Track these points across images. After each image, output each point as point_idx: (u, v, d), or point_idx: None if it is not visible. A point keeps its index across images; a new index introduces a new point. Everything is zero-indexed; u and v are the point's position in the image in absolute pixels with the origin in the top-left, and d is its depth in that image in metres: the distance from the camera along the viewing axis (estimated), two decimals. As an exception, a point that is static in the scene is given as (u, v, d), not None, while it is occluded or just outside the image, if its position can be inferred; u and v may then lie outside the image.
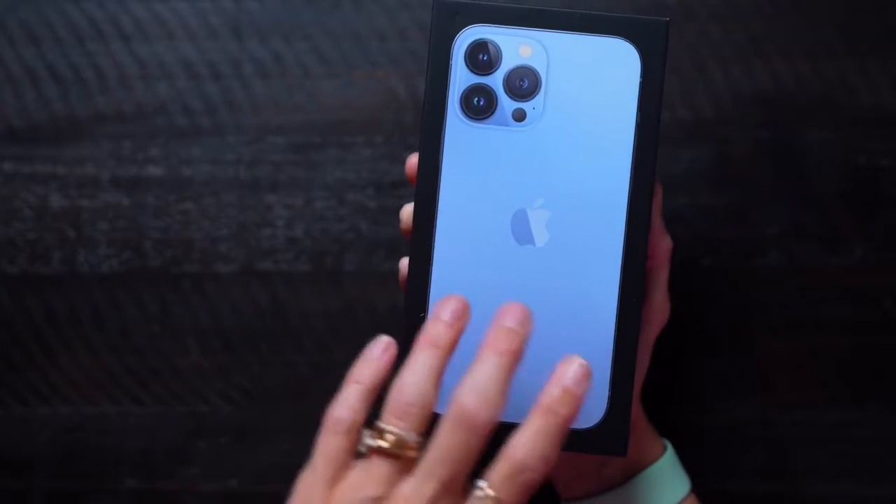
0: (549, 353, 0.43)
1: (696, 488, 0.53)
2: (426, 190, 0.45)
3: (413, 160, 0.47)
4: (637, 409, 0.51)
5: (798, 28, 0.58)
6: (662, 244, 0.50)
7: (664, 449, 0.52)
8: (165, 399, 0.59)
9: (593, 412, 0.45)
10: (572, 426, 0.43)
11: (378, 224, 0.59)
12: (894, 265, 0.58)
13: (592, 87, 0.44)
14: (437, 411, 0.42)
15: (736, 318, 0.58)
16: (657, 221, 0.50)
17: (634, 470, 0.51)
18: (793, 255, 0.58)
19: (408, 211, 0.48)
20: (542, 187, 0.44)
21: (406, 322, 0.45)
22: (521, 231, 0.45)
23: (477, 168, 0.45)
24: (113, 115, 0.59)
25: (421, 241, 0.45)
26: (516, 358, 0.40)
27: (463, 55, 0.45)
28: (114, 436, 0.59)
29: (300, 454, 0.59)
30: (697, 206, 0.58)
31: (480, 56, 0.45)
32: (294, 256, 0.59)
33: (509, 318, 0.41)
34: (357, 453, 0.41)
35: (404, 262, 0.49)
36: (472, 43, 0.45)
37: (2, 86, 0.59)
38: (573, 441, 0.44)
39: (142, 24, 0.59)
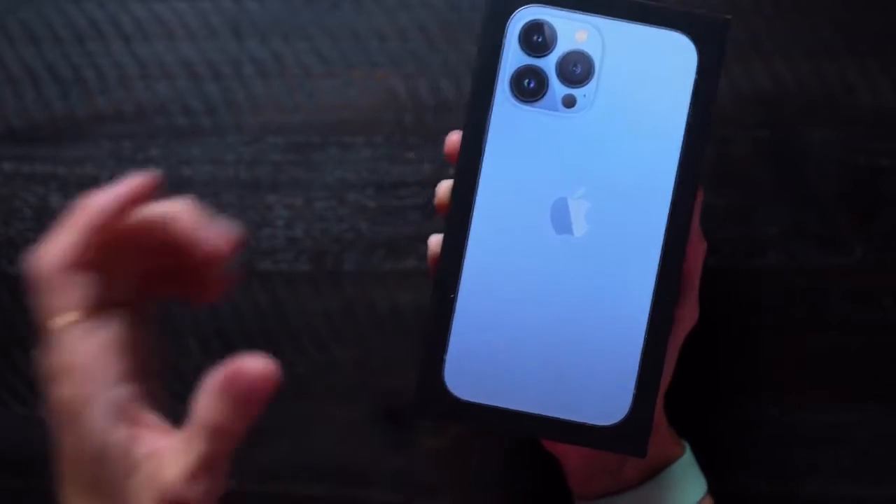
0: (580, 345, 0.43)
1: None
2: (467, 166, 0.44)
3: (454, 137, 0.46)
4: (660, 411, 0.51)
5: (798, 28, 0.58)
6: (699, 247, 0.50)
7: (683, 450, 0.52)
8: (165, 399, 0.59)
9: (616, 409, 0.44)
10: (593, 422, 0.43)
11: (378, 224, 0.59)
12: (894, 265, 0.58)
13: (646, 79, 0.43)
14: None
15: (736, 318, 0.58)
16: (695, 224, 0.49)
17: (653, 470, 0.50)
18: (793, 255, 0.58)
19: (445, 186, 0.47)
20: (585, 177, 0.44)
21: (435, 298, 0.44)
22: (561, 220, 0.44)
23: (521, 151, 0.44)
24: (113, 115, 0.59)
25: (458, 218, 0.44)
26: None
27: (517, 35, 0.44)
28: (114, 436, 0.59)
29: (300, 454, 0.59)
30: (697, 206, 0.58)
31: (535, 37, 0.44)
32: (294, 256, 0.59)
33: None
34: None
35: (433, 240, 0.48)
36: (527, 23, 0.44)
37: (2, 86, 0.59)
38: (592, 437, 0.44)
39: (142, 24, 0.59)
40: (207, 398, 0.38)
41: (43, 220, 0.59)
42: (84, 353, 0.38)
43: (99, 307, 0.39)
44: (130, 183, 0.40)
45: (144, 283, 0.42)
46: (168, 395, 0.60)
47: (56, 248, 0.39)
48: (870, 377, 0.58)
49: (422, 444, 0.59)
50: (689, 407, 0.59)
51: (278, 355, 0.59)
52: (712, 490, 0.53)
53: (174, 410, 0.59)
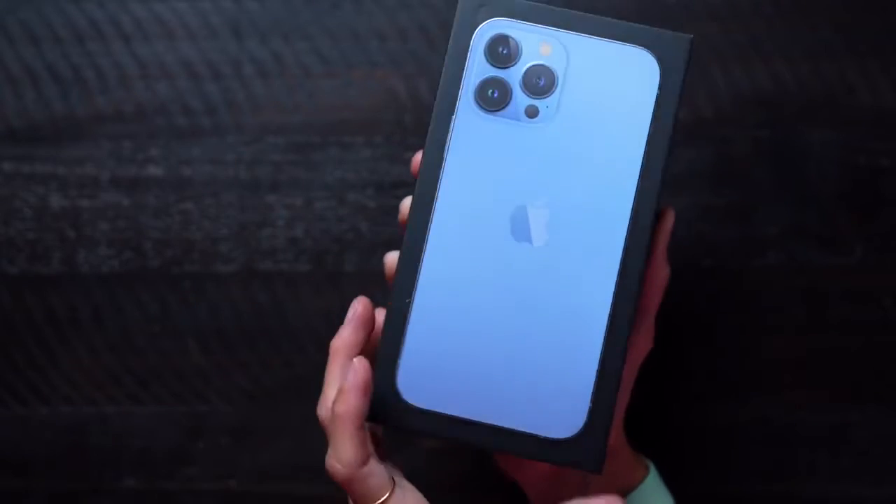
0: (537, 356, 0.43)
1: (697, 488, 0.53)
2: (428, 173, 0.44)
3: (418, 156, 0.47)
4: (619, 434, 0.51)
5: (798, 28, 0.58)
6: (661, 272, 0.49)
7: (647, 471, 0.51)
8: (165, 399, 0.59)
9: (572, 422, 0.44)
10: (548, 435, 0.43)
11: (378, 224, 0.59)
12: (894, 265, 0.58)
13: (609, 93, 0.44)
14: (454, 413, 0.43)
15: (736, 318, 0.58)
16: (661, 247, 0.49)
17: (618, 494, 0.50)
18: (793, 255, 0.58)
19: (408, 203, 0.48)
20: (547, 187, 0.44)
21: (392, 304, 0.44)
22: (520, 228, 0.44)
23: (483, 159, 0.44)
24: (113, 115, 0.59)
25: (417, 222, 0.44)
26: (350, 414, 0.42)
27: (483, 46, 0.44)
28: (114, 436, 0.59)
29: (300, 454, 0.59)
30: (697, 206, 0.58)
31: (500, 49, 0.44)
32: (294, 256, 0.59)
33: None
34: None
35: (390, 257, 0.48)
36: (493, 35, 0.44)
37: (2, 86, 0.59)
38: (547, 450, 0.43)
39: (142, 24, 0.59)
40: None
41: (43, 220, 0.59)
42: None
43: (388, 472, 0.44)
44: (360, 311, 0.44)
45: None
46: (167, 394, 0.60)
47: (348, 452, 0.42)
48: (870, 377, 0.58)
49: (421, 444, 0.59)
50: (689, 407, 0.59)
51: (278, 355, 0.59)
52: (713, 490, 0.53)
53: (173, 410, 0.60)
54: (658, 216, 0.46)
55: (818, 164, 0.58)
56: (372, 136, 0.59)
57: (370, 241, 0.59)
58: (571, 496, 0.50)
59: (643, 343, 0.50)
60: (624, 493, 0.50)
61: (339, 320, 0.59)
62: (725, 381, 0.58)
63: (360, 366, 0.42)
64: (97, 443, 0.59)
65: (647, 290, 0.49)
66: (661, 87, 0.44)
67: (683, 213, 0.58)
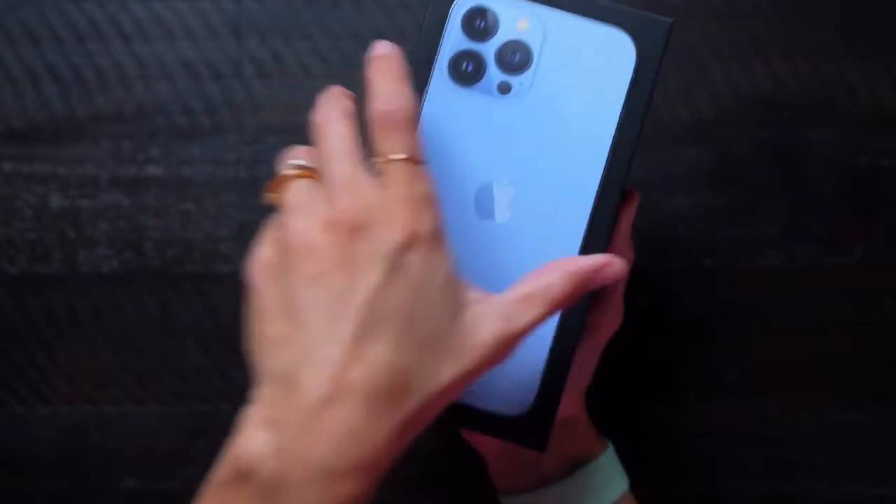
0: None
1: (697, 488, 0.53)
2: None
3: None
4: (579, 408, 0.51)
5: (798, 28, 0.58)
6: (625, 253, 0.49)
7: (605, 447, 0.51)
8: (165, 399, 0.59)
9: (521, 401, 0.44)
10: (497, 410, 0.43)
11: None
12: (894, 265, 0.58)
13: (583, 73, 0.44)
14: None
15: (736, 318, 0.58)
16: (625, 230, 0.48)
17: (573, 466, 0.50)
18: (793, 255, 0.58)
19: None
20: (513, 164, 0.44)
21: None
22: (484, 204, 0.44)
23: (453, 132, 0.44)
24: (113, 115, 0.59)
25: None
26: (400, 64, 0.40)
27: (460, 18, 0.44)
28: (114, 436, 0.59)
29: (300, 454, 0.59)
30: (697, 206, 0.58)
31: (477, 22, 0.44)
32: (294, 256, 0.59)
33: (376, 47, 0.41)
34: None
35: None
36: (471, 8, 0.44)
37: (2, 86, 0.59)
38: (498, 426, 0.44)
39: (142, 24, 0.59)
40: (556, 274, 0.39)
41: (43, 220, 0.59)
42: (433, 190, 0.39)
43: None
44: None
45: None
46: (167, 394, 0.60)
47: (409, 93, 0.40)
48: (870, 377, 0.58)
49: (421, 444, 0.59)
50: (689, 407, 0.59)
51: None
52: (713, 490, 0.53)
53: (173, 410, 0.60)
54: (623, 198, 0.46)
55: (818, 164, 0.58)
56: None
57: (370, 241, 0.59)
58: (526, 466, 0.50)
59: (609, 322, 0.50)
60: (578, 465, 0.50)
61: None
62: (726, 381, 0.58)
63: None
64: (97, 443, 0.59)
65: None
66: (636, 70, 0.43)
67: (683, 212, 0.58)
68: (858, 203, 0.58)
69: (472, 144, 0.44)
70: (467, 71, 0.44)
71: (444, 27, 0.44)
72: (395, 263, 0.37)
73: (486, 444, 0.51)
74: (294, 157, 0.40)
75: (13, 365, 0.59)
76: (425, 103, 0.44)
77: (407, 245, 0.37)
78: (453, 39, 0.44)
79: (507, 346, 0.38)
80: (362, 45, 0.59)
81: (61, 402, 0.59)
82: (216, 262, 0.59)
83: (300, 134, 0.59)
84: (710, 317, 0.58)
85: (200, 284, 0.59)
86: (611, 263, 0.40)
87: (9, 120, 0.59)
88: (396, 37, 0.59)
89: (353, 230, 0.37)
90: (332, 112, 0.40)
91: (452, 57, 0.44)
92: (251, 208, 0.59)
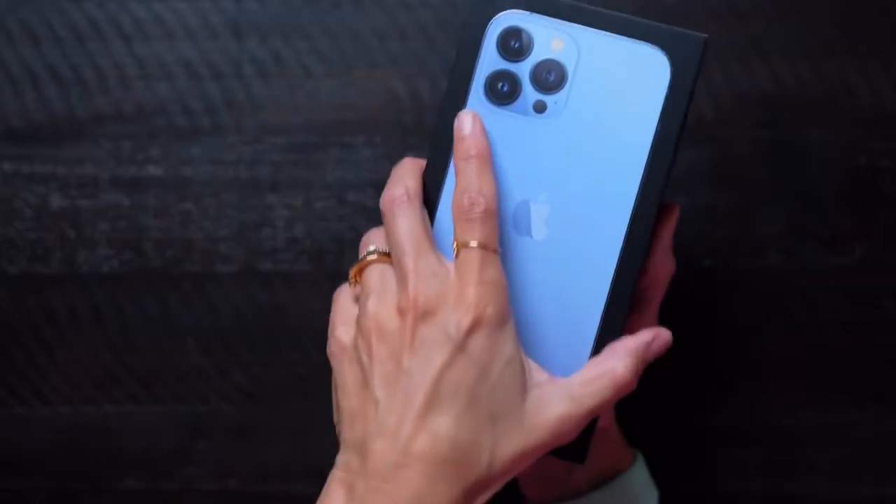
0: (530, 348, 0.43)
1: (697, 488, 0.53)
2: (436, 163, 0.45)
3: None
4: (609, 419, 0.51)
5: (798, 28, 0.58)
6: (665, 265, 0.49)
7: (634, 459, 0.52)
8: (165, 399, 0.59)
9: None
10: None
11: (378, 224, 0.59)
12: (894, 265, 0.58)
13: (618, 90, 0.44)
14: None
15: (736, 317, 0.58)
16: (666, 240, 0.48)
17: (603, 478, 0.50)
18: (793, 255, 0.58)
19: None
20: (549, 182, 0.44)
21: None
22: (521, 222, 0.44)
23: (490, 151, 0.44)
24: (113, 115, 0.59)
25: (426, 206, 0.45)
26: (484, 155, 0.43)
27: (496, 39, 0.44)
28: (114, 436, 0.59)
29: (300, 454, 0.59)
30: (697, 206, 0.58)
31: (512, 42, 0.44)
32: (294, 256, 0.59)
33: (462, 127, 0.43)
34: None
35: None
36: (505, 28, 0.44)
37: (2, 86, 0.59)
38: None
39: (142, 24, 0.59)
40: (618, 357, 0.42)
41: (43, 220, 0.59)
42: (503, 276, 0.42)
43: None
44: None
45: None
46: (167, 394, 0.60)
47: (491, 188, 0.42)
48: (870, 377, 0.58)
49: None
50: (689, 407, 0.59)
51: (278, 355, 0.59)
52: (713, 490, 0.53)
53: (173, 410, 0.60)
54: (661, 212, 0.46)
55: (818, 164, 0.58)
56: (372, 136, 0.59)
57: (370, 241, 0.59)
58: (556, 477, 0.50)
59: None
60: (608, 478, 0.50)
61: (339, 320, 0.59)
62: (725, 381, 0.58)
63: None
64: (97, 443, 0.59)
65: (651, 282, 0.49)
66: (671, 86, 0.43)
67: (683, 213, 0.58)
68: (858, 203, 0.58)
69: (508, 163, 0.44)
70: (503, 91, 0.44)
71: (480, 47, 0.44)
72: (460, 344, 0.40)
73: None
74: (371, 243, 0.44)
75: (13, 365, 0.59)
76: None
77: (472, 327, 0.40)
78: (489, 60, 0.44)
79: (571, 426, 0.41)
80: (362, 45, 0.59)
81: (61, 402, 0.59)
82: (216, 262, 0.59)
83: (300, 134, 0.59)
84: (710, 317, 0.58)
85: (200, 284, 0.59)
86: (657, 335, 0.44)
87: (9, 120, 0.59)
88: (396, 37, 0.59)
89: (424, 315, 0.40)
90: (395, 199, 0.43)
91: (488, 77, 0.44)
92: (251, 208, 0.59)
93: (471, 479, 0.40)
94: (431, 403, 0.40)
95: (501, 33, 0.44)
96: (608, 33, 0.44)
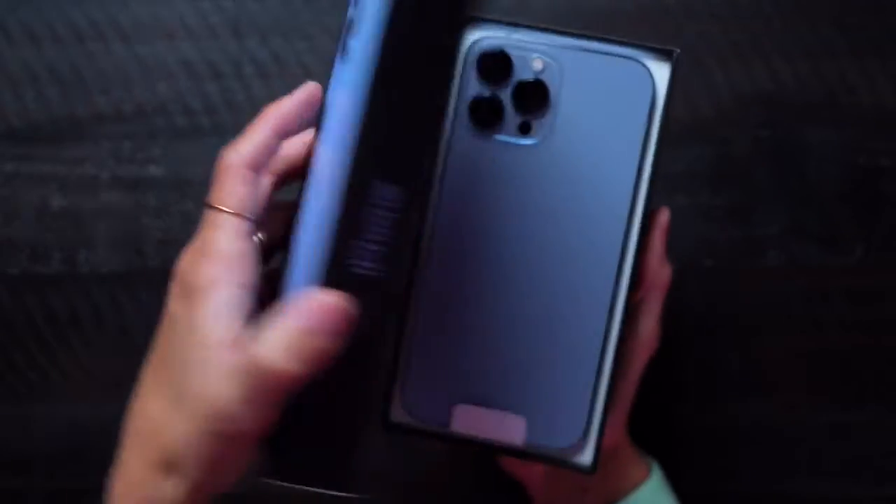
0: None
1: (698, 488, 0.53)
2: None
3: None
4: (621, 435, 0.51)
5: (798, 28, 0.58)
6: (661, 271, 0.48)
7: (650, 472, 0.51)
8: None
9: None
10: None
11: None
12: (894, 265, 0.58)
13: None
14: None
15: (736, 317, 0.58)
16: (659, 247, 0.48)
17: (618, 495, 0.50)
18: (793, 255, 0.58)
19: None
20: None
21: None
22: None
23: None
24: (113, 115, 0.59)
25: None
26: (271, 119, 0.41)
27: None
28: (114, 436, 0.59)
29: (300, 454, 0.59)
30: (697, 206, 0.58)
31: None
32: (294, 256, 0.59)
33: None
34: None
35: None
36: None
37: (2, 86, 0.59)
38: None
39: (142, 24, 0.59)
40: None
41: (43, 220, 0.59)
42: (231, 247, 0.41)
43: (255, 218, 0.41)
44: (307, 90, 0.41)
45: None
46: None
47: (247, 145, 0.41)
48: (870, 377, 0.58)
49: (421, 444, 0.59)
50: (689, 407, 0.59)
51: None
52: (713, 490, 0.53)
53: (174, 410, 0.59)
54: (651, 218, 0.46)
55: (818, 164, 0.58)
56: (372, 136, 0.59)
57: (370, 241, 0.59)
58: (570, 494, 0.50)
59: (648, 344, 0.49)
60: (623, 494, 0.50)
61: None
62: (725, 381, 0.58)
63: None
64: (97, 443, 0.59)
65: (646, 290, 0.48)
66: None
67: (683, 213, 0.58)
68: (858, 203, 0.58)
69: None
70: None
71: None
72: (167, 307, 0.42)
73: (528, 474, 0.51)
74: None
75: (13, 365, 0.59)
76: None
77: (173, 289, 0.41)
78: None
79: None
80: (362, 45, 0.59)
81: (61, 402, 0.59)
82: (216, 262, 0.59)
83: (300, 134, 0.59)
84: (710, 317, 0.59)
85: (200, 284, 0.59)
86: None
87: (9, 120, 0.59)
88: (396, 37, 0.59)
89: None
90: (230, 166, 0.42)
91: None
92: (251, 208, 0.59)
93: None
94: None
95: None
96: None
